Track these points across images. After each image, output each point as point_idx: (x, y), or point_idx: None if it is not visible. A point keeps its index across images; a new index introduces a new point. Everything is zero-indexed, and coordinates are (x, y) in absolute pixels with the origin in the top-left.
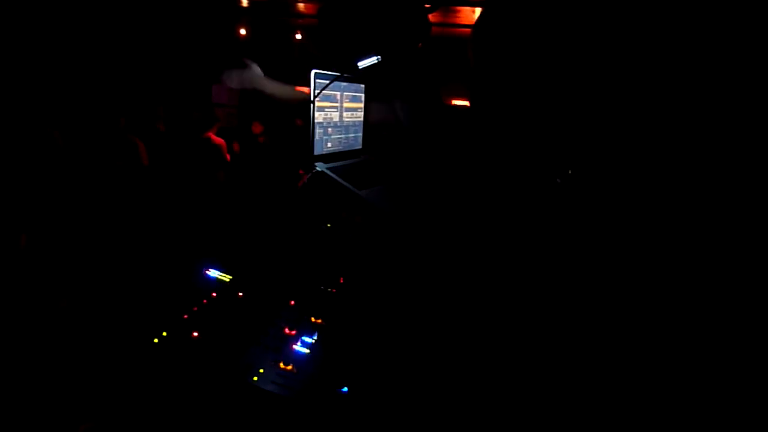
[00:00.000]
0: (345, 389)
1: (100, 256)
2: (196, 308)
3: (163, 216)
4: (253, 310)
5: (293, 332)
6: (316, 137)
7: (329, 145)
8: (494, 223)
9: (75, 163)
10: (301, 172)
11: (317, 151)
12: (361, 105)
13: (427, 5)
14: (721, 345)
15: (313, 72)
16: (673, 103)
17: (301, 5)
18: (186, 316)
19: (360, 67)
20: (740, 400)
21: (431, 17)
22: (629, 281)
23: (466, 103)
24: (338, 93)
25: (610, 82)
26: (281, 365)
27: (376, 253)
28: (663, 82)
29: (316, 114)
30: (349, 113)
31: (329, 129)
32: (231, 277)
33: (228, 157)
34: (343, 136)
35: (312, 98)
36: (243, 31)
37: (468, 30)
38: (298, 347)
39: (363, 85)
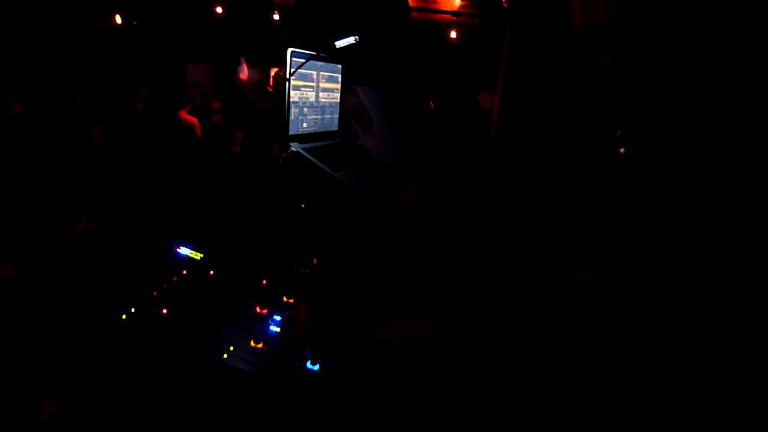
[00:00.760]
0: (315, 367)
1: (67, 231)
2: (165, 285)
3: (133, 193)
4: (224, 289)
5: (264, 311)
6: (292, 117)
7: (305, 125)
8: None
9: (30, 134)
10: (276, 151)
11: (292, 131)
12: (338, 86)
13: None
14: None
15: (289, 50)
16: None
17: None
18: (155, 293)
19: (338, 47)
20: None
21: (411, 2)
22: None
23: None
24: (314, 73)
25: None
26: (252, 343)
27: (349, 234)
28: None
29: (292, 93)
30: (326, 94)
31: (305, 109)
32: (202, 255)
33: (199, 135)
34: (319, 116)
35: (287, 76)
36: (219, 10)
37: (448, 16)
38: (269, 326)
39: (340, 66)
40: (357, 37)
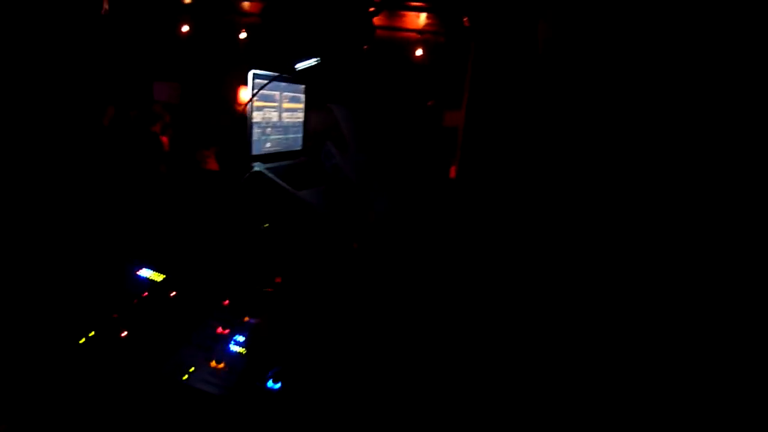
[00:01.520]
0: (277, 385)
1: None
2: (125, 308)
3: (93, 213)
4: (185, 309)
5: (226, 331)
6: (254, 137)
7: (268, 145)
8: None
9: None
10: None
11: (255, 151)
12: (302, 105)
13: (371, 9)
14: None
15: (251, 72)
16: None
17: (246, 4)
18: (115, 316)
19: (297, 69)
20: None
21: (376, 20)
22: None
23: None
24: (277, 93)
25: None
26: (212, 364)
27: (313, 252)
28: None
29: (255, 114)
30: (289, 113)
31: (268, 129)
32: (164, 276)
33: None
34: (282, 136)
35: (250, 98)
36: (185, 28)
37: (413, 35)
38: (231, 346)
39: (303, 86)
40: (318, 58)
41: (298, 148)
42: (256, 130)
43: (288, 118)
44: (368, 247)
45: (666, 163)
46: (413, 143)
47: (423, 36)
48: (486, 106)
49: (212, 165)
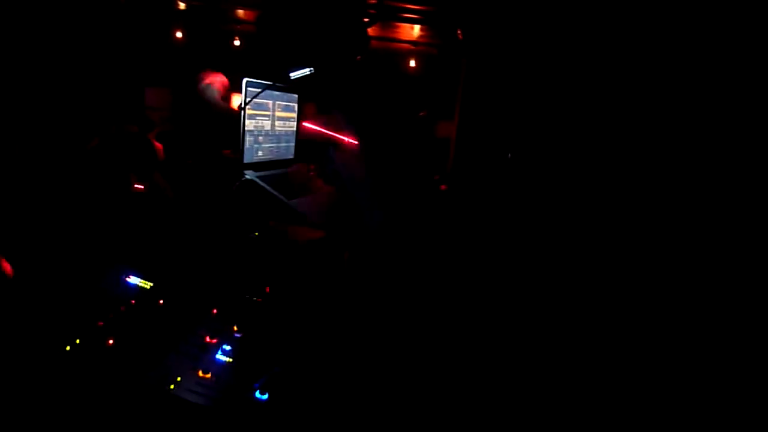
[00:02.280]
0: (264, 396)
1: (11, 258)
2: (112, 315)
3: (82, 218)
4: (173, 318)
5: (214, 341)
6: (247, 145)
7: (260, 153)
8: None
9: None
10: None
11: (247, 159)
12: (294, 114)
13: (366, 19)
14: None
15: (244, 80)
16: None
17: (240, 11)
18: (101, 324)
19: (292, 78)
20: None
21: (370, 31)
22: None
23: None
24: (270, 102)
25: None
26: (199, 373)
27: (304, 262)
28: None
29: (247, 122)
30: (282, 122)
31: (260, 137)
32: (152, 284)
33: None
34: (274, 145)
35: (243, 106)
36: (179, 35)
37: (407, 46)
38: (218, 356)
39: (296, 95)
40: (312, 68)
41: (291, 157)
42: (248, 138)
43: (281, 127)
44: (360, 257)
45: (655, 181)
46: (406, 153)
47: (417, 47)
48: (478, 117)
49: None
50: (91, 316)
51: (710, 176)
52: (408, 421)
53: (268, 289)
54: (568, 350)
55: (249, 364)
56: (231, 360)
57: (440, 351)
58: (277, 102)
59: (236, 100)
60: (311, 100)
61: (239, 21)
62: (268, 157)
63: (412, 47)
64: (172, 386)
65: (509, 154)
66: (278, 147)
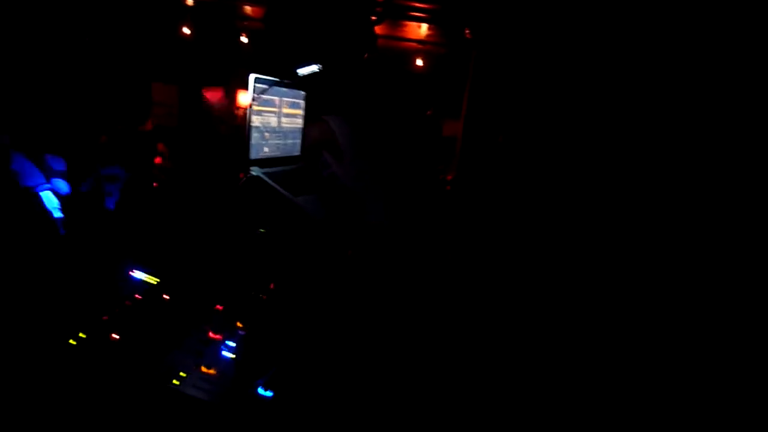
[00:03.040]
0: (269, 393)
1: (19, 253)
2: (117, 310)
3: (90, 215)
4: (178, 314)
5: (218, 336)
6: (253, 141)
7: (266, 150)
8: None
9: None
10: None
11: (253, 156)
12: (301, 111)
13: (374, 17)
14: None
15: (252, 77)
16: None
17: (248, 8)
18: (106, 318)
19: (300, 75)
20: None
21: (378, 30)
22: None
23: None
24: (277, 98)
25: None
26: (204, 369)
27: (308, 259)
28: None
29: (254, 118)
30: (288, 119)
31: (266, 134)
32: (158, 280)
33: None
34: (281, 141)
35: (250, 102)
36: (187, 30)
37: (414, 45)
38: (222, 351)
39: (303, 92)
40: (320, 65)
41: (297, 154)
42: (254, 135)
43: (287, 123)
44: (364, 254)
45: (661, 170)
46: (412, 151)
47: (424, 46)
48: (484, 116)
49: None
50: (96, 310)
51: (712, 175)
52: (411, 418)
53: (272, 286)
54: (572, 346)
55: (253, 361)
56: (235, 356)
57: (444, 348)
58: (284, 98)
59: (243, 98)
60: (317, 97)
61: (247, 18)
62: (275, 153)
63: (420, 46)
64: (175, 381)
65: (500, 137)
66: (285, 143)
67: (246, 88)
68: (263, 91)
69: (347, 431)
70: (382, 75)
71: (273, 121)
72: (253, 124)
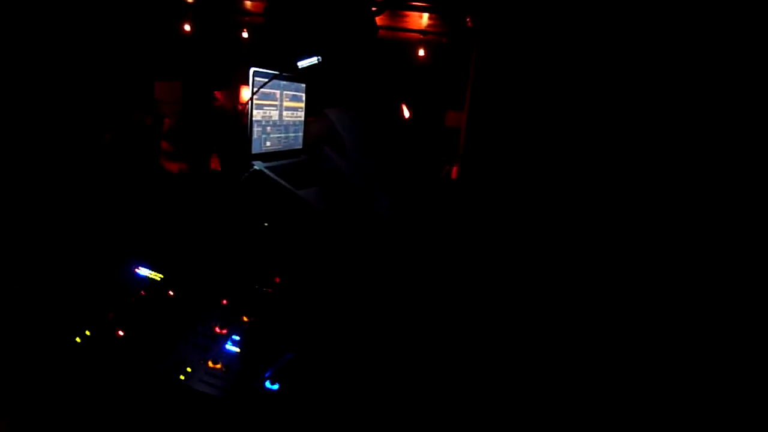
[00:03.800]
0: (275, 387)
1: (23, 250)
2: (122, 306)
3: (93, 211)
4: (183, 309)
5: (224, 331)
6: (255, 135)
7: (268, 144)
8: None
9: None
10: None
11: (255, 150)
12: (302, 105)
13: (374, 8)
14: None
15: (252, 70)
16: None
17: (248, 3)
18: (111, 315)
19: (300, 67)
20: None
21: (378, 20)
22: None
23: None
24: (278, 92)
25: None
26: (210, 364)
27: (313, 252)
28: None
29: (255, 112)
30: (290, 112)
31: (268, 128)
32: (162, 276)
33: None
34: (282, 135)
35: (250, 96)
36: (187, 27)
37: (416, 35)
38: (228, 346)
39: (304, 85)
40: (320, 57)
41: (299, 147)
42: (256, 129)
43: (288, 117)
44: (370, 248)
45: (668, 162)
46: (415, 143)
47: (425, 36)
48: (488, 106)
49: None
50: (101, 307)
51: (714, 174)
52: (416, 413)
53: (278, 280)
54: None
55: (259, 354)
56: (240, 350)
57: (450, 342)
58: (285, 92)
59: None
60: (318, 89)
61: (248, 12)
62: (277, 147)
63: (421, 36)
64: (182, 377)
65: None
66: (287, 137)
67: (247, 83)
68: (263, 84)
69: (353, 424)
70: (383, 66)
71: (274, 114)
72: (254, 118)
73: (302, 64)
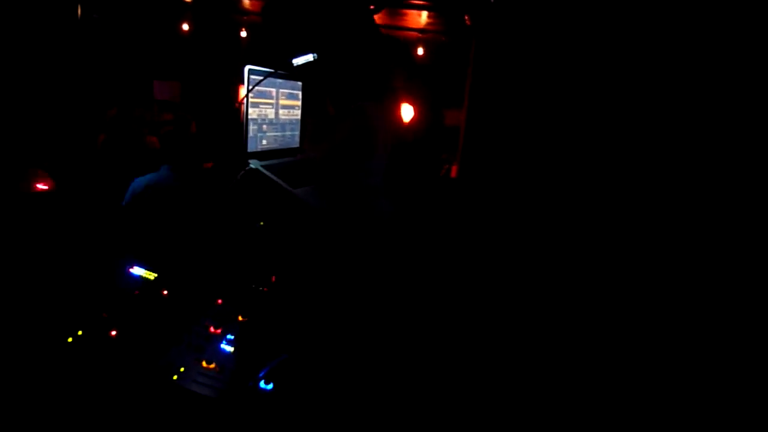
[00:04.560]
0: (269, 386)
1: (14, 249)
2: (116, 306)
3: (86, 210)
4: (177, 309)
5: (218, 331)
6: (250, 134)
7: (264, 142)
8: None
9: None
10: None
11: (251, 148)
12: (299, 103)
13: (372, 6)
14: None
15: (247, 68)
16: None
17: (246, 1)
18: (104, 315)
19: (295, 65)
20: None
21: (377, 19)
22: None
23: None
24: (274, 90)
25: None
26: (204, 364)
27: (309, 251)
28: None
29: (251, 110)
30: (286, 111)
31: (264, 126)
32: (156, 275)
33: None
34: (279, 133)
35: (245, 94)
36: (186, 27)
37: (415, 33)
38: (222, 346)
39: (300, 83)
40: (315, 54)
41: (295, 146)
42: (252, 127)
43: (285, 115)
44: (369, 247)
45: (668, 162)
46: (414, 141)
47: (424, 35)
48: (487, 104)
49: None
50: (94, 306)
51: (714, 174)
52: (412, 413)
53: (273, 279)
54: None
55: (254, 354)
56: (234, 349)
57: (448, 343)
58: (281, 90)
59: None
60: (315, 88)
61: (246, 12)
62: (273, 146)
63: (420, 35)
64: (176, 377)
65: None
66: (283, 135)
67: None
68: (258, 82)
69: (348, 424)
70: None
71: (270, 113)
72: (250, 117)
73: (297, 61)
